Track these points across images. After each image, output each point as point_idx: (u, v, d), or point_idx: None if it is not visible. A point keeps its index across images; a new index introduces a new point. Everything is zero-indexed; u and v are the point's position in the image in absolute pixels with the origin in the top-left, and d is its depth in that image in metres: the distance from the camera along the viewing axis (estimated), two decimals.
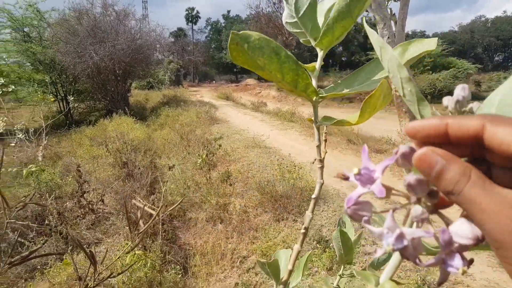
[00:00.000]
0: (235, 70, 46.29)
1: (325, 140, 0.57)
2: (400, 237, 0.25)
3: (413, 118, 7.37)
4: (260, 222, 4.44)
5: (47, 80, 11.27)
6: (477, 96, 23.67)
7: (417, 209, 0.27)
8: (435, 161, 0.25)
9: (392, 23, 6.27)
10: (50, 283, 3.06)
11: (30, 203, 1.15)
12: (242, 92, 27.52)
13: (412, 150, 0.28)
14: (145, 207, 1.21)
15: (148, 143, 8.47)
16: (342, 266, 0.88)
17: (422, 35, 45.37)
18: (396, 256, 0.35)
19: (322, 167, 0.56)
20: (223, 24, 56.08)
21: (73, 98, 10.16)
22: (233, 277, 3.80)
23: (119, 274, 1.16)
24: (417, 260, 0.26)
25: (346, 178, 0.32)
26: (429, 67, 22.01)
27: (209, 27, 58.41)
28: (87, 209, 4.34)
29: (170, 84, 30.09)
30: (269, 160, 6.58)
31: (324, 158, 0.56)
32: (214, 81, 45.00)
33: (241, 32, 0.42)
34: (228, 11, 58.30)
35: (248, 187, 5.30)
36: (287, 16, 0.52)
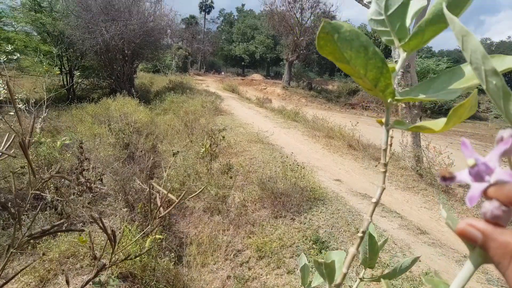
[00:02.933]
0: (242, 63, 46.12)
1: (391, 145, 0.54)
2: None
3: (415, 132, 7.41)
4: (258, 218, 4.41)
5: (53, 52, 11.16)
6: (475, 116, 23.88)
7: None
8: (475, 236, 0.27)
9: None
10: (40, 258, 3.01)
11: (56, 176, 1.10)
12: (248, 86, 27.44)
13: None
14: (168, 194, 1.17)
15: (151, 126, 8.41)
16: (364, 270, 0.86)
17: (429, 50, 45.55)
18: (467, 266, 0.33)
19: (385, 172, 0.54)
20: (235, 17, 55.86)
21: (79, 73, 10.04)
22: (226, 270, 3.77)
23: (136, 257, 1.13)
24: None
25: (450, 179, 0.30)
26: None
27: (221, 18, 58.15)
28: (84, 187, 4.29)
29: (176, 70, 29.98)
30: (272, 157, 6.55)
31: (388, 162, 0.54)
32: (223, 73, 44.82)
33: (333, 21, 0.41)
34: (243, 5, 57.86)
35: (249, 181, 5.26)
36: (374, 13, 0.50)
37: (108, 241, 1.12)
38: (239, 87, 25.05)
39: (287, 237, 3.99)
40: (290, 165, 5.35)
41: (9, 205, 0.81)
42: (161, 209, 1.22)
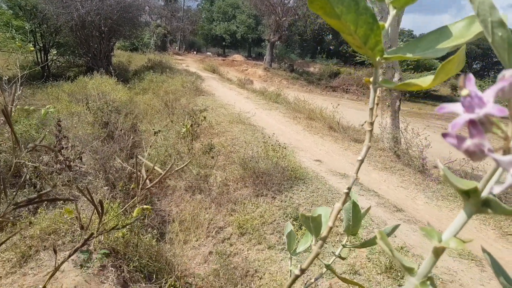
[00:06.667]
0: (223, 43, 45.36)
1: (377, 104, 0.56)
2: None
3: (394, 112, 7.55)
4: (239, 196, 4.46)
5: (26, 28, 10.66)
6: (451, 99, 24.57)
7: None
8: None
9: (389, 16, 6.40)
10: (21, 235, 2.97)
11: (40, 146, 1.09)
12: (229, 67, 27.14)
13: None
14: (154, 167, 1.18)
15: (130, 106, 8.27)
16: (346, 237, 0.90)
17: (410, 34, 45.89)
18: (461, 215, 0.34)
19: (371, 130, 0.55)
20: None
21: (55, 51, 9.68)
22: (208, 246, 3.84)
23: (124, 226, 1.14)
24: None
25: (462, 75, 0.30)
26: (412, 67, 22.72)
27: None
28: (64, 165, 4.22)
29: (155, 49, 29.27)
30: (253, 137, 6.57)
31: (374, 121, 0.55)
32: (207, 52, 44.03)
33: None
34: None
35: (230, 161, 5.29)
36: None
37: (95, 213, 1.12)
38: (220, 68, 24.71)
39: (268, 215, 4.07)
40: (271, 145, 5.40)
41: None
42: (148, 180, 1.23)
